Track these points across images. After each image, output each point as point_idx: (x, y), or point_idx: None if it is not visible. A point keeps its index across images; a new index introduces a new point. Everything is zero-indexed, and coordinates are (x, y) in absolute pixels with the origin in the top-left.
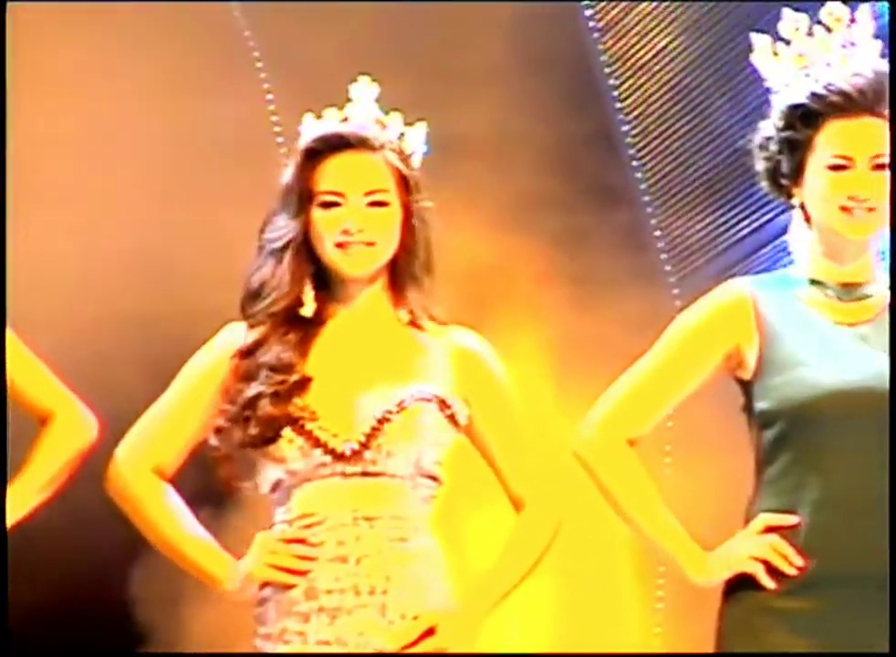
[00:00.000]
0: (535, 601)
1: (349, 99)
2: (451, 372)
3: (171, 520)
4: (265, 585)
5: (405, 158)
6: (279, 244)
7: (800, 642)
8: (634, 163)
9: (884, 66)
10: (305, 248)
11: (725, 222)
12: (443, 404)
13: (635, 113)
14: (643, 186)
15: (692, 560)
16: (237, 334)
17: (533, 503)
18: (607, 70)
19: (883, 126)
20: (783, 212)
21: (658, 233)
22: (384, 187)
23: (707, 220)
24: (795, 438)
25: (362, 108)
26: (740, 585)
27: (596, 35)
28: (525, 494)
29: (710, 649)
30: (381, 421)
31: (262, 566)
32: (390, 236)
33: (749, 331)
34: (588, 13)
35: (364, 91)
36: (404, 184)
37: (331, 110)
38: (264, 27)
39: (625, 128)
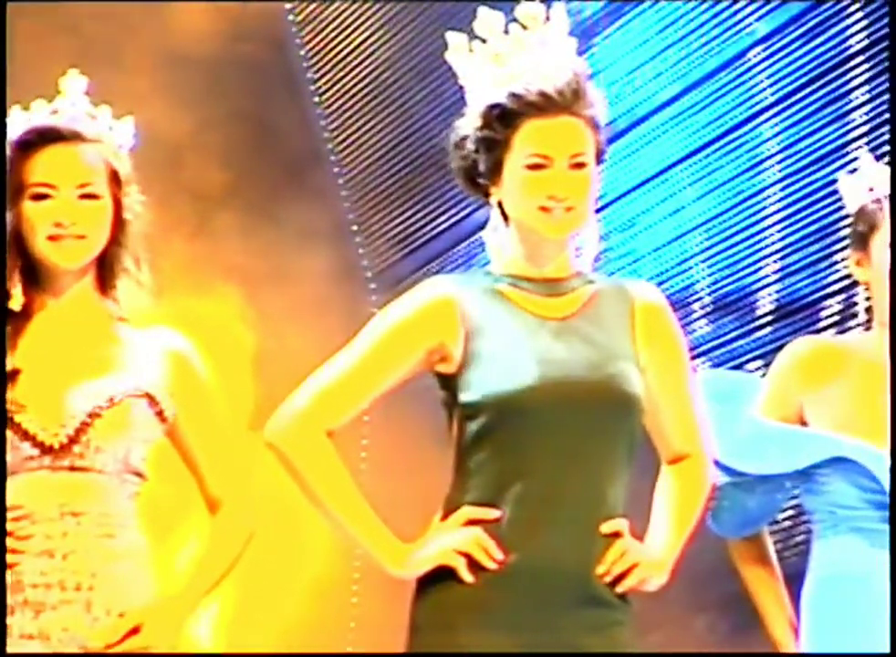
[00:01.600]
0: (227, 599)
1: (58, 92)
2: (159, 369)
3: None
4: None
5: (116, 151)
6: None
7: (496, 636)
8: (332, 158)
9: (583, 65)
10: (15, 241)
11: (423, 217)
12: (152, 401)
13: (334, 108)
14: (341, 181)
15: (390, 553)
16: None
17: (229, 504)
18: (305, 64)
19: (582, 125)
20: (480, 207)
21: (355, 227)
22: (95, 180)
23: (405, 215)
24: (497, 431)
25: (72, 100)
26: (436, 578)
27: (294, 29)
28: (222, 495)
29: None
30: (91, 416)
31: None
32: (101, 229)
33: (453, 328)
34: (288, 6)
35: (73, 84)
36: (115, 177)
37: (40, 102)
38: None
39: (323, 122)
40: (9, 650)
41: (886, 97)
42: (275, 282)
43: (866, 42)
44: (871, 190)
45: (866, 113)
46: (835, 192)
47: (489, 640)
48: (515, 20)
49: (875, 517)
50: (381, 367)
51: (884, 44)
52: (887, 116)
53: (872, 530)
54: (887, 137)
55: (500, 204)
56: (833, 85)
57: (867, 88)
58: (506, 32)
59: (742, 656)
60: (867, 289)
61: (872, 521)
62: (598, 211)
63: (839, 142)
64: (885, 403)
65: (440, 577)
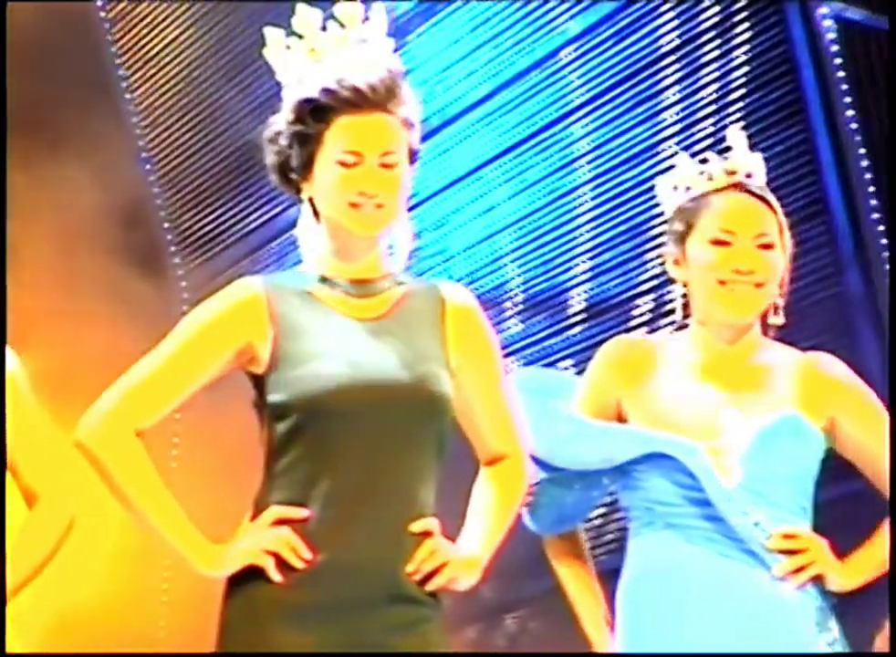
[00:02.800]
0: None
1: None
2: None
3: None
4: None
5: None
6: None
7: (304, 635)
8: (144, 155)
9: (398, 64)
10: None
11: (236, 214)
12: None
13: (145, 104)
14: (153, 178)
15: (200, 553)
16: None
17: (45, 497)
18: (117, 61)
19: (395, 123)
20: (294, 204)
21: (167, 225)
22: None
23: (217, 212)
24: (307, 431)
25: None
26: (245, 577)
27: (107, 25)
28: (37, 488)
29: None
30: None
31: None
32: None
33: (262, 327)
34: (99, 2)
35: None
36: None
37: None
38: None
39: (135, 119)
40: None
41: (697, 96)
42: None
43: (677, 42)
44: (688, 189)
45: (677, 113)
46: (646, 191)
47: (297, 638)
48: (333, 18)
49: (691, 513)
50: (190, 366)
51: (695, 43)
52: (698, 115)
53: (688, 526)
54: (699, 136)
55: (311, 201)
56: (644, 84)
57: (678, 87)
58: (324, 29)
59: None
60: (684, 287)
61: (688, 517)
62: (409, 209)
63: (650, 142)
64: (702, 400)
65: (249, 576)
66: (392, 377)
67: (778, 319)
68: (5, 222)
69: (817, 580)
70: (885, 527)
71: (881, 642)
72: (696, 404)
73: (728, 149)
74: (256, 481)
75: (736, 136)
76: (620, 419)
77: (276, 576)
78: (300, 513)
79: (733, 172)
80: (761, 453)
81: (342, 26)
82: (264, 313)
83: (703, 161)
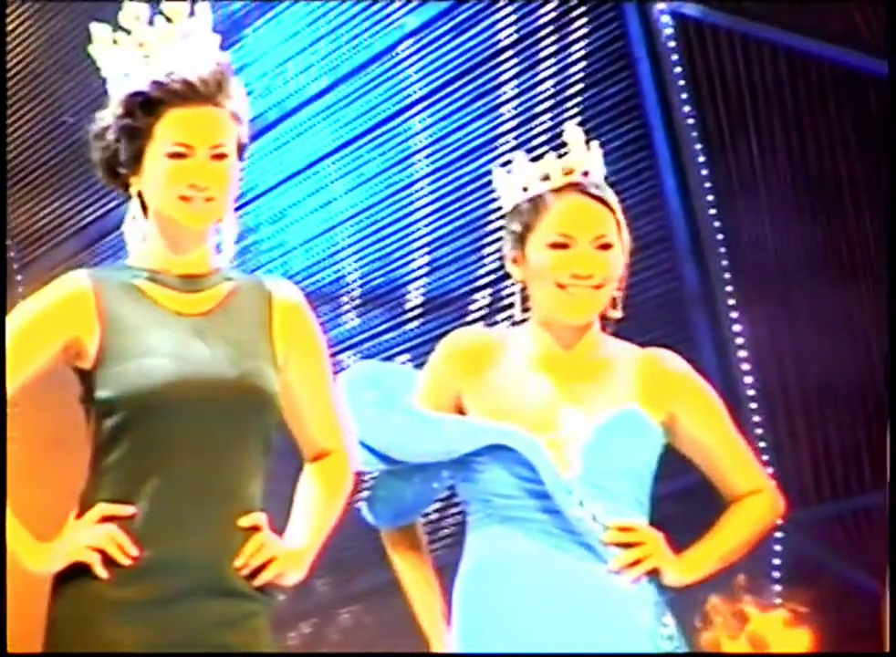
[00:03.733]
0: None
1: None
2: None
3: None
4: None
5: None
6: None
7: (132, 631)
8: None
9: (227, 58)
10: None
11: (69, 209)
12: None
13: None
14: None
15: (25, 550)
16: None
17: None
18: None
19: (224, 117)
20: (127, 200)
21: (2, 218)
22: None
23: (52, 207)
24: (134, 427)
25: None
26: (72, 574)
27: None
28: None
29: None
30: None
31: None
32: None
33: (89, 322)
34: None
35: None
36: None
37: None
38: None
39: None
40: None
41: (535, 91)
42: None
43: (515, 37)
44: (525, 189)
45: (515, 108)
46: (484, 186)
47: (125, 634)
48: (160, 13)
49: (529, 506)
50: (16, 361)
51: (533, 39)
52: (536, 110)
53: (526, 519)
54: (536, 131)
55: (140, 195)
56: (482, 79)
57: (516, 82)
58: (151, 24)
59: None
60: (523, 284)
61: (526, 510)
62: (247, 203)
63: (489, 136)
64: (542, 394)
65: (76, 573)
66: (218, 373)
67: (616, 313)
68: (5, 219)
69: (654, 574)
70: (722, 524)
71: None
72: (536, 398)
73: (566, 143)
74: (84, 477)
75: (574, 132)
76: (460, 412)
77: (102, 572)
78: (126, 510)
79: (570, 172)
80: (600, 446)
81: (169, 20)
82: (91, 307)
83: (541, 156)
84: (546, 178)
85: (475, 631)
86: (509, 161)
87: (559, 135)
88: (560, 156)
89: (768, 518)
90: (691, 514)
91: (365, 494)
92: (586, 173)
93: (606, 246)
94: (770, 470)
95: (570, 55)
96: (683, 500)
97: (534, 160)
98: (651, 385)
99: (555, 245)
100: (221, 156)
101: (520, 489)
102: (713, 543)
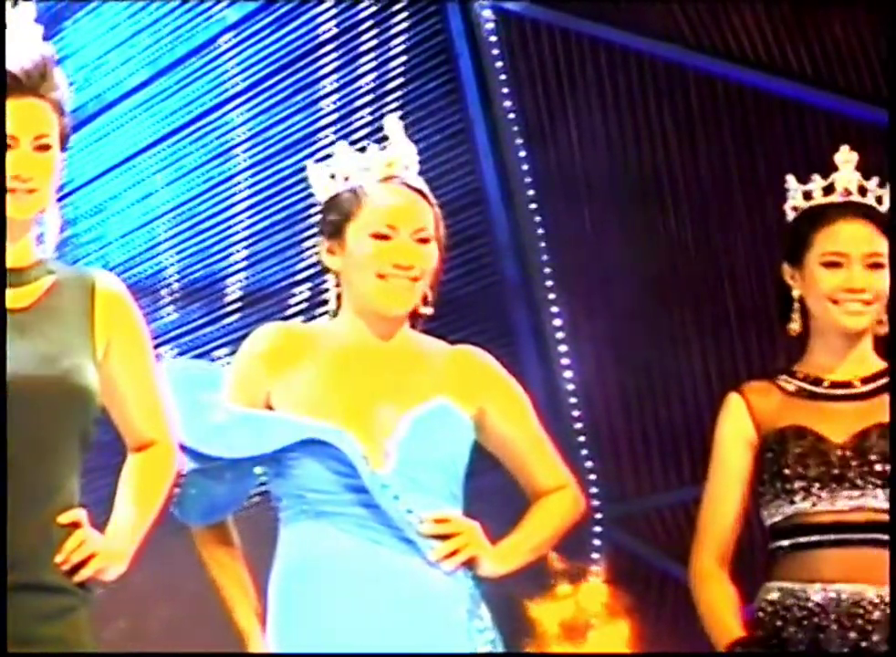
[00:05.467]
0: None
1: None
2: None
3: None
4: None
5: None
6: None
7: None
8: None
9: (50, 49)
10: None
11: None
12: None
13: None
14: None
15: None
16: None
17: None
18: None
19: (47, 108)
20: None
21: None
22: None
23: None
24: None
25: None
26: None
27: None
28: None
29: None
30: None
31: None
32: None
33: None
34: None
35: None
36: None
37: None
38: None
39: None
40: None
41: (356, 85)
42: None
43: (335, 31)
44: (346, 179)
45: (335, 102)
46: (304, 180)
47: None
48: None
49: (345, 501)
50: None
51: (353, 32)
52: (357, 104)
53: (341, 514)
54: (357, 125)
55: None
56: (303, 73)
57: (336, 76)
58: None
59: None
60: (337, 277)
61: (342, 505)
62: (66, 196)
63: (308, 130)
64: (355, 388)
65: None
66: (36, 370)
67: (428, 310)
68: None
69: (470, 566)
70: (531, 517)
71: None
72: (350, 392)
73: (387, 137)
74: None
75: (394, 125)
76: (270, 406)
77: None
78: None
79: (391, 164)
80: (413, 440)
81: None
82: None
83: (362, 149)
84: (368, 169)
85: (291, 629)
86: (329, 156)
87: (380, 129)
88: (382, 148)
89: (573, 515)
90: (506, 507)
91: (176, 492)
92: (407, 167)
93: (425, 240)
94: (589, 463)
95: (391, 49)
96: (498, 493)
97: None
98: (462, 381)
99: (377, 236)
100: (44, 147)
101: (335, 484)
102: (524, 535)
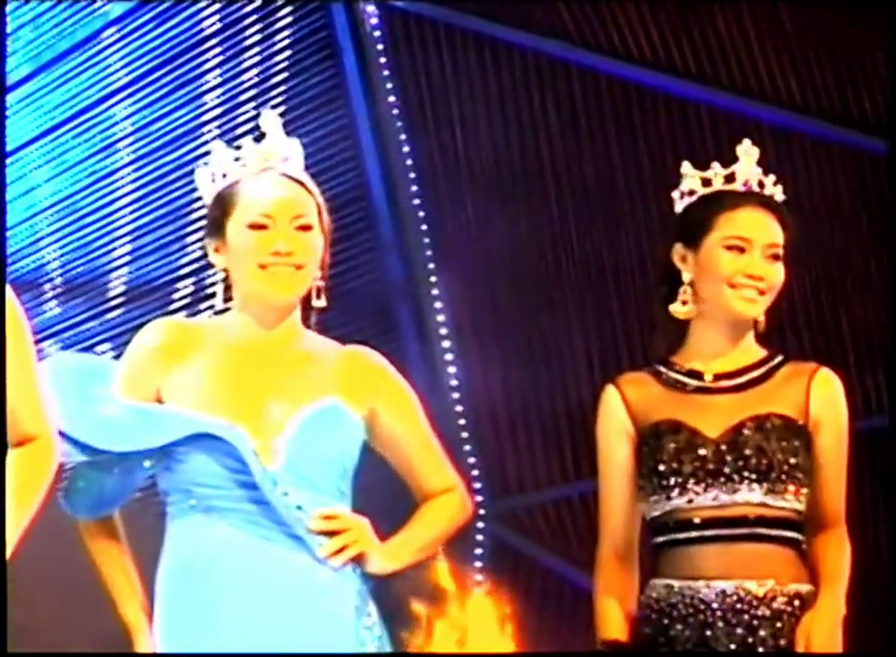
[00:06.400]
0: None
1: None
2: None
3: None
4: None
5: None
6: None
7: None
8: None
9: None
10: None
11: None
12: None
13: None
14: None
15: None
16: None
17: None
18: None
19: None
20: None
21: None
22: None
23: None
24: None
25: None
26: None
27: None
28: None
29: None
30: None
31: None
32: None
33: None
34: None
35: None
36: None
37: None
38: None
39: None
40: None
41: (239, 80)
42: None
43: (218, 25)
44: (225, 176)
45: (218, 96)
46: (187, 174)
47: None
48: None
49: (234, 496)
50: None
51: (237, 27)
52: (240, 98)
53: (230, 509)
54: (241, 119)
55: None
56: (186, 67)
57: (219, 71)
58: None
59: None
60: (225, 273)
61: (231, 500)
62: None
63: (192, 125)
64: (245, 384)
65: None
66: None
67: (321, 303)
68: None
69: (358, 562)
70: (420, 517)
71: None
72: (240, 389)
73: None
74: None
75: (270, 119)
76: (161, 403)
77: None
78: None
79: (267, 157)
80: (303, 438)
81: None
82: None
83: (239, 147)
84: (245, 164)
85: (178, 624)
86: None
87: None
88: (257, 140)
89: (461, 516)
90: (398, 503)
91: (63, 484)
92: (285, 159)
93: (306, 227)
94: (472, 459)
95: (275, 44)
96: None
97: (234, 147)
98: (353, 381)
99: (254, 226)
100: None
101: (225, 479)
102: (412, 534)
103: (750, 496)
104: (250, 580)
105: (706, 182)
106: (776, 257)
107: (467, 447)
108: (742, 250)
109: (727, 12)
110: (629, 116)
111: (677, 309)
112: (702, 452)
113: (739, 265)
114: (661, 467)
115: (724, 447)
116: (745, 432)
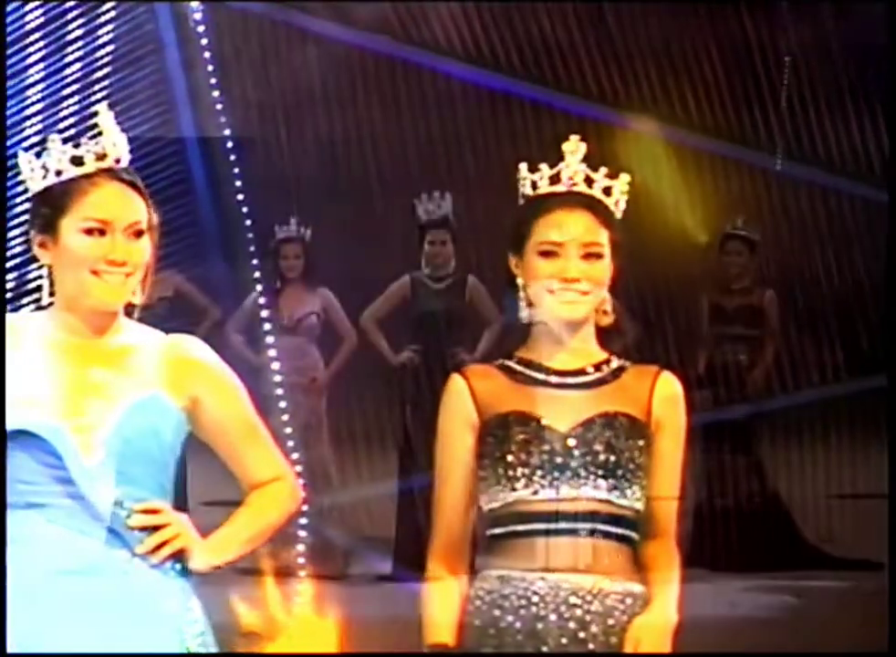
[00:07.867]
0: None
1: None
2: None
3: None
4: None
5: None
6: None
7: None
8: None
9: None
10: None
11: None
12: None
13: None
14: None
15: None
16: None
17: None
18: None
19: None
20: None
21: None
22: None
23: None
24: None
25: None
26: None
27: None
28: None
29: None
30: None
31: None
32: None
33: None
34: None
35: None
36: None
37: None
38: None
39: None
40: None
41: (62, 74)
42: None
43: (42, 19)
44: (59, 173)
45: (41, 91)
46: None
47: None
48: None
49: (55, 492)
50: None
51: (60, 21)
52: (63, 93)
53: (50, 505)
54: (64, 114)
55: None
56: (10, 61)
57: (42, 65)
58: None
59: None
60: (49, 269)
61: (51, 496)
62: None
63: (16, 119)
64: (65, 380)
65: None
66: None
67: (136, 299)
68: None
69: (180, 557)
70: (246, 508)
71: None
72: (59, 383)
73: (94, 126)
74: None
75: (106, 117)
76: None
77: None
78: None
79: (102, 157)
80: (121, 432)
81: None
82: None
83: (76, 144)
84: (81, 164)
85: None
86: (36, 144)
87: (87, 118)
88: (93, 137)
89: (290, 505)
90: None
91: None
92: (118, 160)
93: (139, 233)
94: (296, 455)
95: (98, 38)
96: None
97: (66, 142)
98: (175, 371)
99: (89, 231)
100: None
101: (44, 475)
102: (237, 527)
103: (595, 492)
104: (68, 577)
105: (534, 185)
106: (596, 256)
107: (290, 443)
108: (555, 254)
109: (552, 8)
110: (452, 111)
111: (519, 315)
112: (550, 445)
113: (553, 269)
114: (510, 458)
115: (572, 441)
116: (595, 427)
